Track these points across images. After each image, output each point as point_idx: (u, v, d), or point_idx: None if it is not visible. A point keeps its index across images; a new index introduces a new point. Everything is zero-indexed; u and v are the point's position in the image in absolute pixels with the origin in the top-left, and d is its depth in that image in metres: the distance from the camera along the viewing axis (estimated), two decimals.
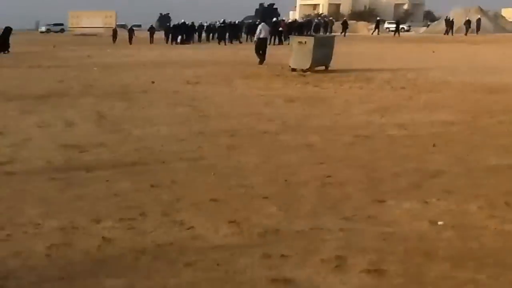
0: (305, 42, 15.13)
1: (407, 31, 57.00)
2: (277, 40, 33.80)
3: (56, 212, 4.41)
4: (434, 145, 6.60)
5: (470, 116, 8.46)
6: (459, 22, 44.31)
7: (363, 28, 56.45)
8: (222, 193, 4.84)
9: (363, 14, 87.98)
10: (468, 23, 43.37)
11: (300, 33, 35.55)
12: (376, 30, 48.36)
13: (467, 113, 8.70)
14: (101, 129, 7.59)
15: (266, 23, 20.68)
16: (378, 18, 57.59)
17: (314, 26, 47.38)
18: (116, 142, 6.79)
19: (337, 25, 53.10)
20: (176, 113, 9.00)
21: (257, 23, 42.59)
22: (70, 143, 6.64)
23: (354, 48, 25.16)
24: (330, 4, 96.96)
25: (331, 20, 53.38)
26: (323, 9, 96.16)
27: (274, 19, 38.18)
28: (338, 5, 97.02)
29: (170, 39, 37.44)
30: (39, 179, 5.16)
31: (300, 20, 45.40)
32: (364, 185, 5.09)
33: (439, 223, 4.25)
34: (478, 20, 43.44)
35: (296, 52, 15.13)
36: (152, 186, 5.04)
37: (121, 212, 4.41)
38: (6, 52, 24.97)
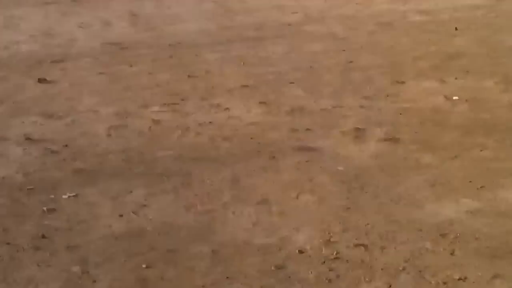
0: None
1: None
2: None
3: (109, 101, 5.09)
4: (456, 29, 6.93)
5: None
6: None
7: None
8: (252, 80, 5.44)
9: None
10: None
11: None
12: None
13: None
14: (136, 28, 8.10)
15: None
16: None
17: None
18: (151, 38, 7.35)
19: None
20: (203, 10, 9.38)
21: None
22: (111, 41, 7.22)
23: None
24: None
25: None
26: None
27: None
28: None
29: None
30: (91, 74, 5.82)
31: None
32: (385, 68, 5.58)
33: (454, 98, 4.75)
34: None
35: None
36: (189, 76, 5.66)
37: (165, 98, 5.07)
38: None
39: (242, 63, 6.00)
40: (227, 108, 4.76)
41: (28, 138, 4.36)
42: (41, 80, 5.59)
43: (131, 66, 6.07)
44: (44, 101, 5.13)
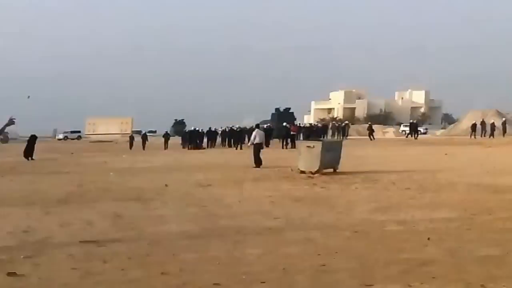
0: (313, 146, 16.27)
1: (424, 133, 58.99)
2: (289, 143, 35.26)
3: None
4: (428, 239, 7.28)
5: (469, 213, 9.12)
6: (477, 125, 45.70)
7: (378, 131, 58.72)
8: (225, 278, 5.59)
9: (379, 118, 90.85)
10: (483, 125, 44.66)
11: (317, 137, 37.50)
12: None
13: (467, 211, 9.35)
14: (117, 228, 8.45)
15: (265, 129, 22.90)
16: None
17: (331, 130, 49.50)
18: (131, 237, 7.63)
19: (353, 128, 55.49)
20: (187, 213, 9.85)
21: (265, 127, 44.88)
22: (89, 239, 7.50)
23: (367, 151, 26.18)
24: (345, 108, 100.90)
25: (347, 124, 55.20)
26: (338, 113, 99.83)
27: (285, 123, 39.14)
28: (353, 109, 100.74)
29: (186, 144, 39.43)
30: (62, 269, 5.98)
31: (315, 123, 47.94)
32: (356, 272, 5.79)
33: None
34: (493, 124, 44.77)
35: (305, 155, 16.24)
36: (162, 273, 5.81)
37: None
38: (30, 159, 26.48)
39: (217, 262, 6.19)
40: None
41: None
42: (10, 274, 5.73)
43: (105, 262, 6.25)
44: None
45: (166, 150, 37.33)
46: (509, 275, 5.55)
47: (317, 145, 16.26)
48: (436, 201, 10.58)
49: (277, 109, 65.10)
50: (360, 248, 6.88)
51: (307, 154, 16.15)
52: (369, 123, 54.63)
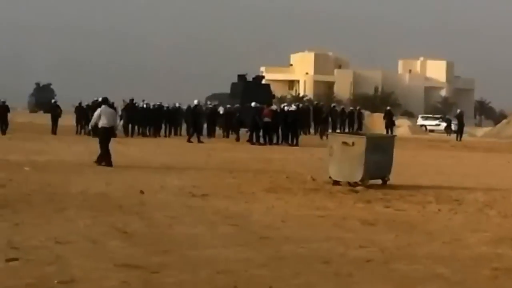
0: (353, 143, 16.05)
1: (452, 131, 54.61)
2: (257, 136, 33.59)
3: None
4: None
5: None
6: None
7: (379, 122, 51.74)
8: None
9: (373, 101, 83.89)
10: None
11: (299, 127, 35.16)
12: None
13: None
14: (143, 249, 8.70)
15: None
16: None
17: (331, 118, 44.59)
18: (176, 264, 8.09)
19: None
20: (223, 233, 10.22)
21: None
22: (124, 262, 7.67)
23: (397, 154, 26.47)
24: (317, 82, 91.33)
25: (359, 110, 50.90)
26: (304, 89, 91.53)
27: (253, 103, 35.66)
28: (329, 84, 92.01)
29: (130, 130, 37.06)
30: None
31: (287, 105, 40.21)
32: None
33: None
34: None
35: (340, 156, 16.11)
36: None
37: None
38: None
39: None
40: None
41: None
42: None
43: None
44: None
45: (56, 135, 35.41)
46: None
47: (359, 142, 16.11)
48: None
49: (241, 77, 50.29)
50: None
51: (343, 155, 16.06)
52: (388, 108, 49.31)
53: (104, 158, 19.44)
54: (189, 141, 33.22)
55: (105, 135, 19.76)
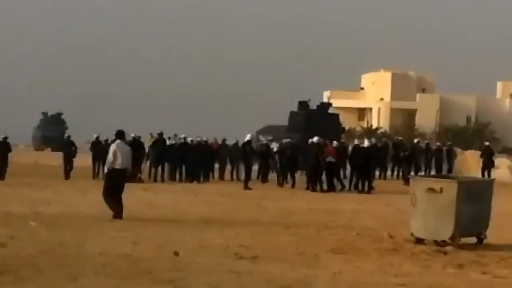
0: (441, 189, 14.60)
1: None
2: (321, 181, 29.60)
3: None
4: None
5: None
6: None
7: (473, 162, 46.58)
8: None
9: (464, 134, 74.91)
10: None
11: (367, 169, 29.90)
12: None
13: None
14: None
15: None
16: None
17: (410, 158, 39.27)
18: None
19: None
20: None
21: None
22: None
23: (500, 203, 24.20)
24: (393, 110, 79.77)
25: (452, 148, 43.16)
26: (379, 119, 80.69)
27: (315, 139, 30.54)
28: (410, 112, 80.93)
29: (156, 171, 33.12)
30: None
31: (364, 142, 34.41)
32: None
33: None
34: None
35: (424, 207, 14.77)
36: None
37: None
38: None
39: None
40: None
41: None
42: None
43: None
44: None
45: (68, 181, 31.79)
46: None
47: (449, 188, 14.55)
48: None
49: (303, 104, 45.13)
50: None
51: (428, 205, 14.64)
52: (487, 144, 43.08)
53: (113, 208, 17.63)
54: (246, 187, 29.55)
55: (116, 178, 17.86)
